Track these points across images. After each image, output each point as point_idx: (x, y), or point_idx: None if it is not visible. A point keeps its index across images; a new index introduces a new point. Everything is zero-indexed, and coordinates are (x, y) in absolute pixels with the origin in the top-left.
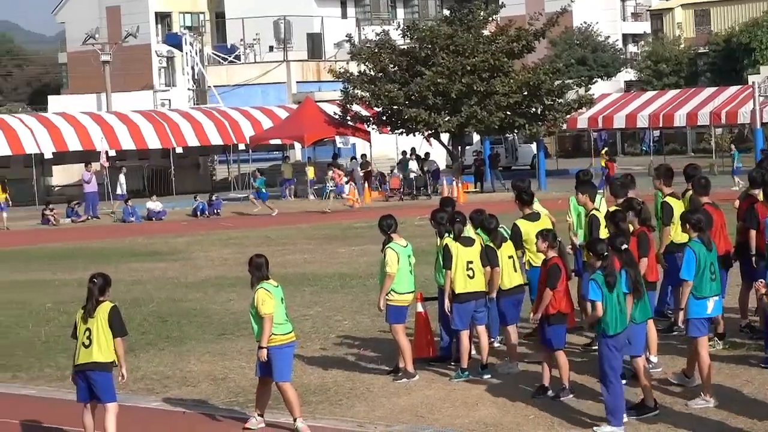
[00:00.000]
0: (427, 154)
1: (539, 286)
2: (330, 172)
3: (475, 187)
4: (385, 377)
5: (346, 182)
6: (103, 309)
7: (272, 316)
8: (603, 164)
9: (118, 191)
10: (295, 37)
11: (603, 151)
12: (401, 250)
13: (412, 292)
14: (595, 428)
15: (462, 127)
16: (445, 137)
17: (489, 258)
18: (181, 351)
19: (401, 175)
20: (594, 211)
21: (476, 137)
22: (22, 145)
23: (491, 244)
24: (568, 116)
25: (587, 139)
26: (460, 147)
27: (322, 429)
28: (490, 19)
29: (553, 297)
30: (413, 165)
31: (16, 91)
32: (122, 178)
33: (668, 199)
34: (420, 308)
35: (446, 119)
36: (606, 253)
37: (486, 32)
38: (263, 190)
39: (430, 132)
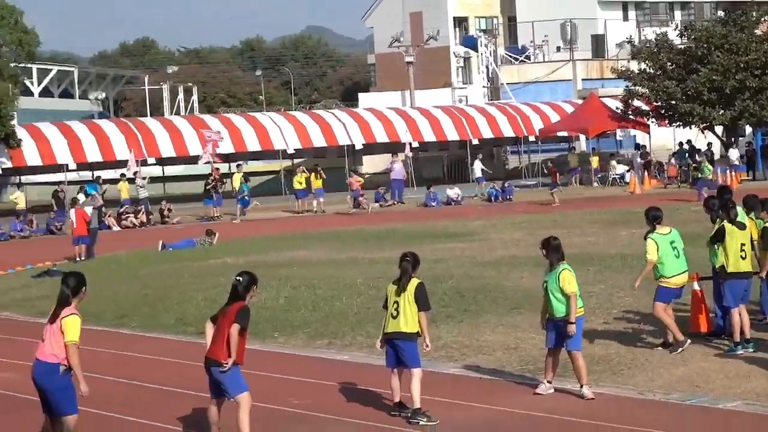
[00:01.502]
0: (709, 144)
1: None
2: (613, 162)
3: (747, 176)
4: (663, 350)
5: (627, 170)
6: (411, 285)
7: (577, 294)
8: None
9: (477, 174)
10: (581, 38)
11: None
12: (661, 238)
13: (679, 274)
14: None
15: (735, 120)
16: (719, 129)
17: (765, 240)
18: (478, 323)
19: (678, 164)
20: None
21: (749, 129)
22: (336, 137)
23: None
24: None
25: None
26: (733, 139)
27: (605, 395)
28: (763, 19)
29: None
30: (734, 153)
31: (330, 89)
32: (477, 163)
33: None
34: (696, 287)
35: (720, 113)
36: None
37: (758, 32)
38: (246, 198)
39: (704, 125)
